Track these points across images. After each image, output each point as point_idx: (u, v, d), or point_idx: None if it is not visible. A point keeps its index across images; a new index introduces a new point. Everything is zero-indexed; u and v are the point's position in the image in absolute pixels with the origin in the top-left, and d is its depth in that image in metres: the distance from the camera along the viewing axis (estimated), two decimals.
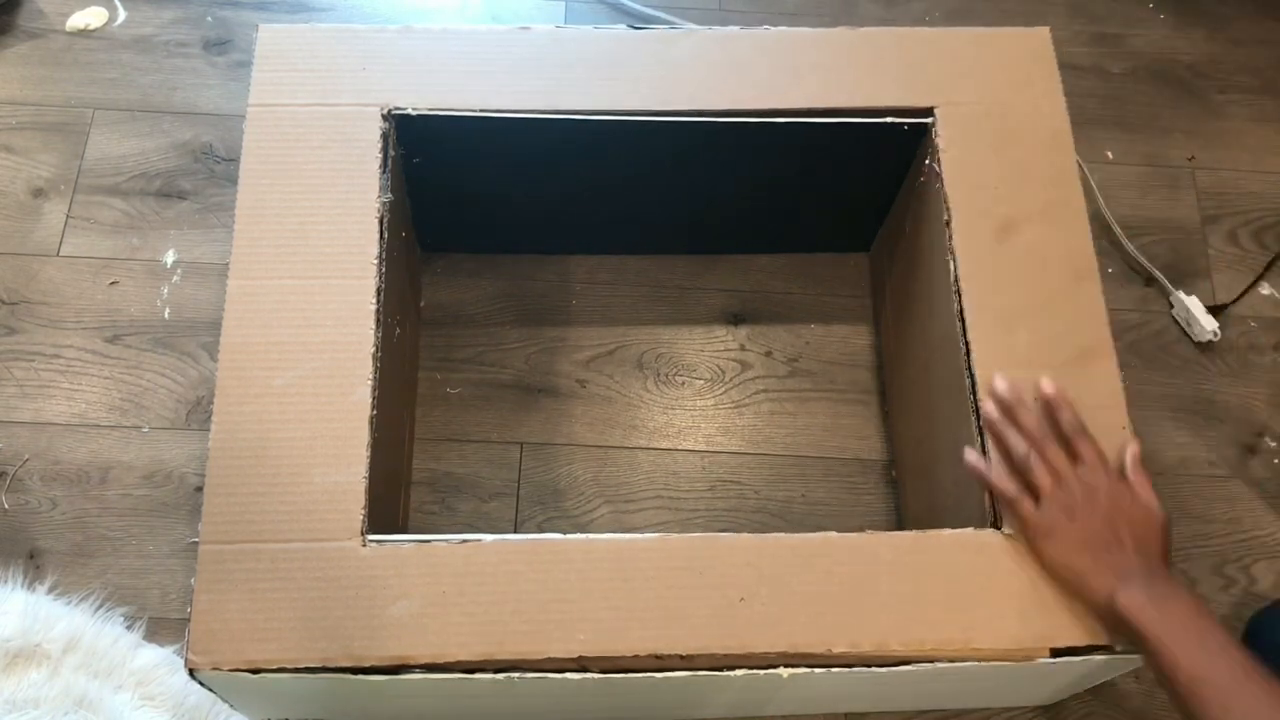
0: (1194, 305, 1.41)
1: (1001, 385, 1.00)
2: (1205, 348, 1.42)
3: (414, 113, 1.11)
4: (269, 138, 1.09)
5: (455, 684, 0.93)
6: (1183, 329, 1.43)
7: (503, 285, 1.41)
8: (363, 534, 0.94)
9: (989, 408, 1.00)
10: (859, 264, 1.45)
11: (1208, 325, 1.40)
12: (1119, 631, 0.92)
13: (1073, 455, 0.97)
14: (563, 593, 0.93)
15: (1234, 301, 1.45)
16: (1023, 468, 0.97)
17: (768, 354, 1.39)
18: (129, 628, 1.21)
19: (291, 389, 0.99)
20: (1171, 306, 1.44)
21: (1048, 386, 1.00)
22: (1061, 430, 0.98)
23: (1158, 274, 1.45)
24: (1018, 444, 0.98)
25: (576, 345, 1.38)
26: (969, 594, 0.95)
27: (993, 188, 1.11)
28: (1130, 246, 1.44)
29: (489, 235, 1.39)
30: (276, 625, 0.91)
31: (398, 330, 1.14)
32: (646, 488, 1.32)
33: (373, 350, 1.00)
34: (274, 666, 0.90)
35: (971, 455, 1.00)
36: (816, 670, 0.93)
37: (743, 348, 1.40)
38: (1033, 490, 0.96)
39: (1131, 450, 0.98)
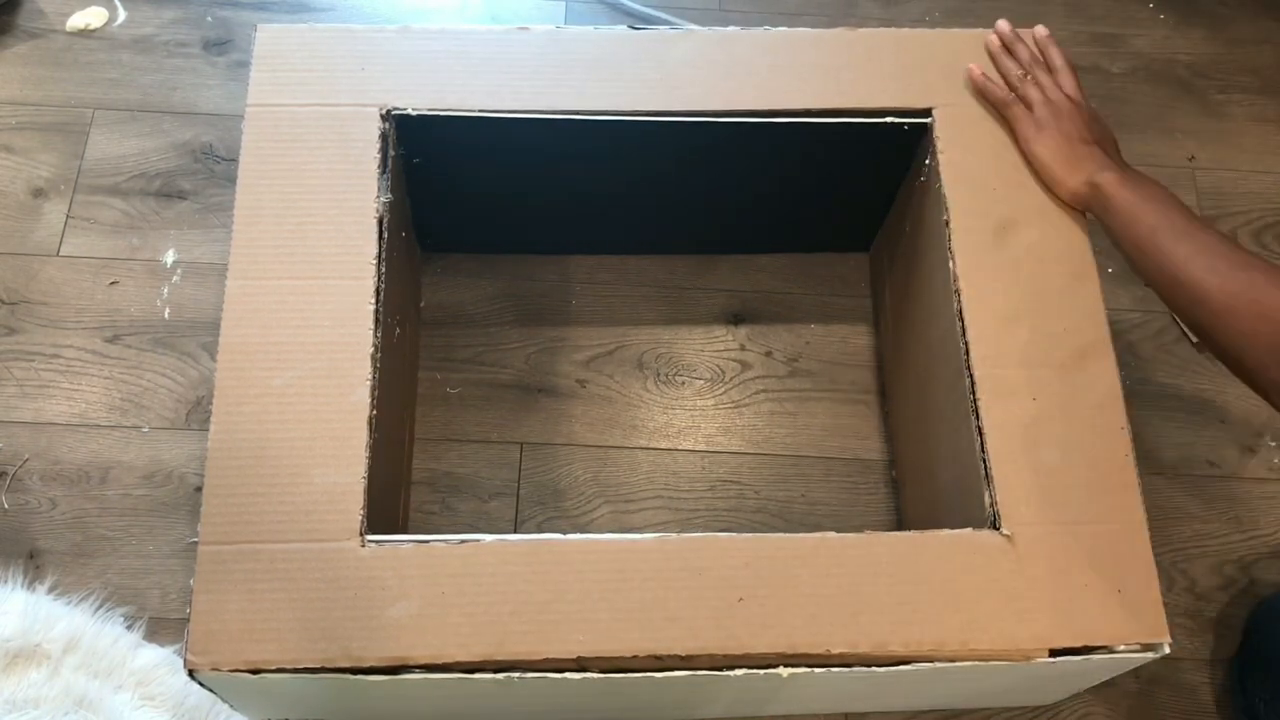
0: None
1: (1003, 23, 1.18)
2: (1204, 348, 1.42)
3: (413, 113, 1.11)
4: (268, 138, 1.09)
5: (455, 684, 0.93)
6: (1182, 329, 1.43)
7: (503, 285, 1.41)
8: (362, 534, 0.94)
9: (991, 38, 1.17)
10: (859, 264, 1.45)
11: None
12: (1091, 207, 1.08)
13: (1056, 83, 1.13)
14: (562, 593, 0.93)
15: None
16: (1016, 84, 1.13)
17: (768, 354, 1.39)
18: (129, 628, 1.21)
19: (291, 389, 0.99)
20: None
21: (1040, 29, 1.18)
22: (1050, 62, 1.15)
23: None
24: (1012, 67, 1.15)
25: (576, 345, 1.38)
26: (968, 594, 0.95)
27: (992, 188, 1.11)
28: None
29: (489, 235, 1.39)
30: (276, 626, 0.91)
31: (397, 330, 1.14)
32: (646, 488, 1.32)
33: (372, 351, 1.00)
34: (273, 667, 0.90)
35: (975, 69, 1.15)
36: (816, 670, 0.93)
37: (743, 348, 1.40)
38: (1025, 102, 1.12)
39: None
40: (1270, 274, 0.92)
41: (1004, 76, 1.15)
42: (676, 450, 1.34)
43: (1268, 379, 0.93)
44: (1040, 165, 1.11)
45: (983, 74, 1.15)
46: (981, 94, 1.15)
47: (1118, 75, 1.62)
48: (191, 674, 0.90)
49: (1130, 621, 0.95)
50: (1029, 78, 1.13)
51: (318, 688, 0.95)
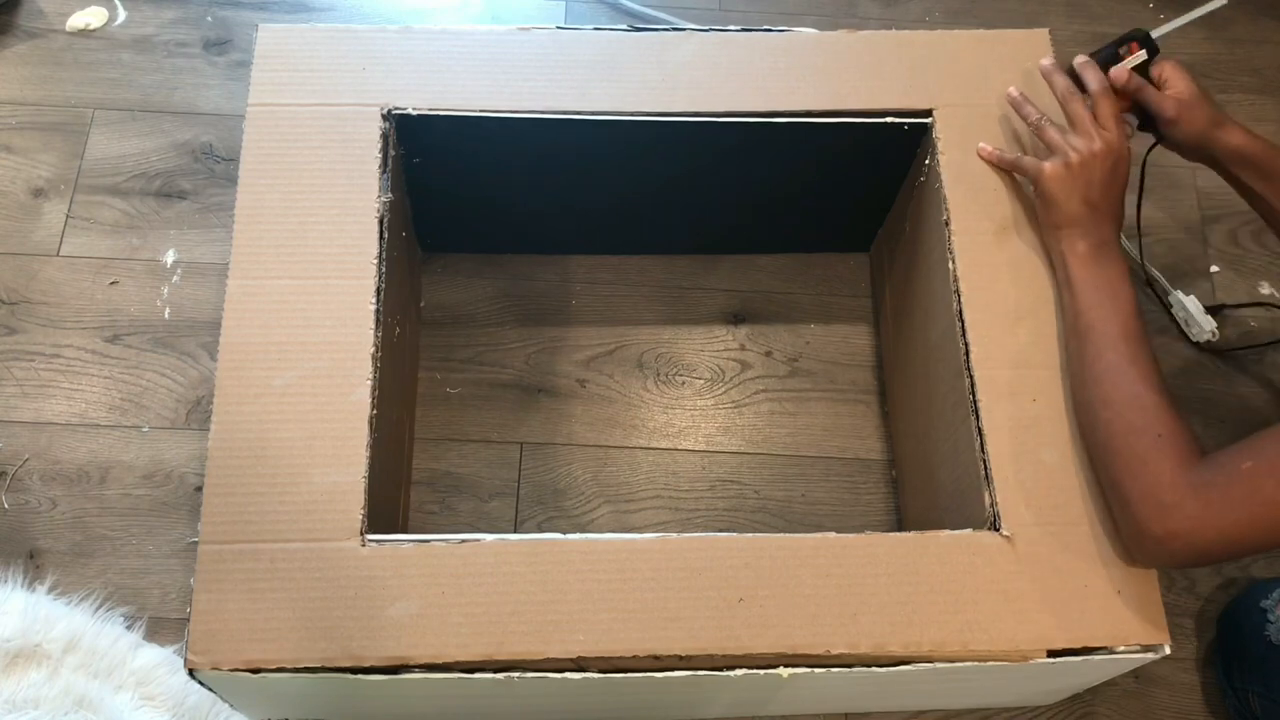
0: (1192, 305, 1.41)
1: (1046, 61, 1.11)
2: (1205, 347, 1.42)
3: (414, 113, 1.11)
4: (269, 138, 1.09)
5: (455, 684, 0.93)
6: (1181, 329, 1.43)
7: (503, 285, 1.41)
8: (362, 534, 0.94)
9: (1011, 90, 1.13)
10: (859, 264, 1.45)
11: (1206, 325, 1.40)
12: (1054, 265, 1.06)
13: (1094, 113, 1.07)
14: (562, 593, 0.93)
15: (1237, 306, 1.45)
16: (1036, 128, 1.09)
17: (768, 354, 1.39)
18: (129, 628, 1.21)
19: (291, 389, 0.99)
20: (1170, 306, 1.44)
21: (1079, 57, 1.11)
22: (1088, 87, 1.08)
23: (1157, 274, 1.45)
24: (1030, 112, 1.10)
25: (576, 345, 1.38)
26: (968, 595, 0.95)
27: (992, 188, 1.11)
28: (1128, 245, 1.44)
29: (489, 235, 1.39)
30: (276, 625, 0.91)
31: (397, 330, 1.15)
32: (646, 487, 1.32)
33: (372, 350, 1.00)
34: (273, 666, 0.90)
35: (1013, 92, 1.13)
36: (816, 670, 0.93)
37: (743, 348, 1.40)
38: (1047, 145, 1.08)
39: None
40: (1162, 431, 0.92)
41: (1025, 120, 1.11)
42: (676, 450, 1.34)
43: (1130, 522, 0.93)
44: (1037, 202, 1.08)
45: (1020, 95, 1.12)
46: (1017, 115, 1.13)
47: None
48: (192, 673, 0.90)
49: (1130, 622, 0.95)
50: (1046, 120, 1.08)
51: (318, 687, 0.95)
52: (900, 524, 1.30)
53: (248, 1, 1.59)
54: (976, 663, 0.94)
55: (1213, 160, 1.11)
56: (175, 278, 1.39)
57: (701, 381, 1.38)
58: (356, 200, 1.06)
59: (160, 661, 1.19)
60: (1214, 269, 1.49)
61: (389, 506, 1.13)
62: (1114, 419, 0.95)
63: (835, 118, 1.14)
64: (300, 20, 1.59)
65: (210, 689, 0.95)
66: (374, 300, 1.02)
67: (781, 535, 0.97)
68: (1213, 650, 1.27)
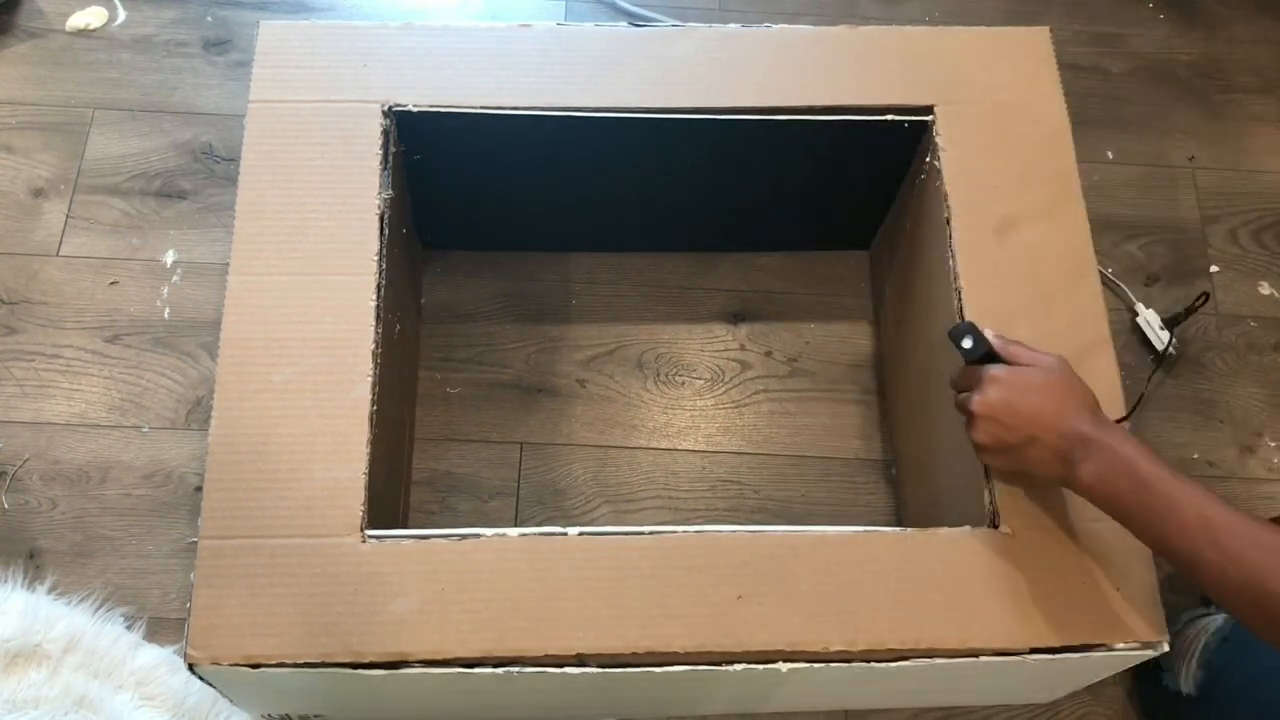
0: (1151, 318, 1.41)
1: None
2: (1206, 347, 1.42)
3: (415, 109, 1.11)
4: (270, 134, 1.09)
5: (454, 679, 0.93)
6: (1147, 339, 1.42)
7: (503, 284, 1.41)
8: (362, 530, 0.94)
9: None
10: (859, 263, 1.45)
11: (1163, 338, 1.40)
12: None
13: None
14: (562, 589, 0.93)
15: (1186, 315, 1.42)
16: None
17: (768, 354, 1.39)
18: (129, 628, 1.21)
19: (292, 385, 0.99)
20: (1135, 315, 1.43)
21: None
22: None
23: (1120, 284, 1.45)
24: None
25: (576, 345, 1.38)
26: (966, 592, 0.95)
27: (993, 186, 1.11)
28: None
29: (489, 232, 1.39)
30: (276, 620, 0.91)
31: (398, 327, 1.15)
32: (646, 488, 1.31)
33: (373, 347, 1.00)
34: (273, 662, 0.90)
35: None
36: (815, 666, 0.93)
37: (743, 347, 1.40)
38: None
39: (991, 335, 0.97)
40: None
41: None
42: (676, 450, 1.34)
43: None
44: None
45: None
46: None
47: (1118, 75, 1.62)
48: (191, 668, 0.90)
49: (1129, 620, 0.95)
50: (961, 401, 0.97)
51: (318, 682, 0.95)
52: (900, 523, 1.30)
53: (248, 1, 1.59)
54: (975, 659, 0.94)
55: None
56: (175, 278, 1.39)
57: (701, 381, 1.37)
58: (357, 196, 1.06)
59: (160, 661, 1.19)
60: (1214, 269, 1.49)
61: (389, 505, 1.13)
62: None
63: (836, 115, 1.14)
64: (300, 19, 1.58)
65: (210, 683, 0.95)
66: (374, 297, 1.02)
67: (781, 532, 0.97)
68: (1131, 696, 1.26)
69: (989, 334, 0.97)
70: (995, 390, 0.93)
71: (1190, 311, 1.41)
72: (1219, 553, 0.82)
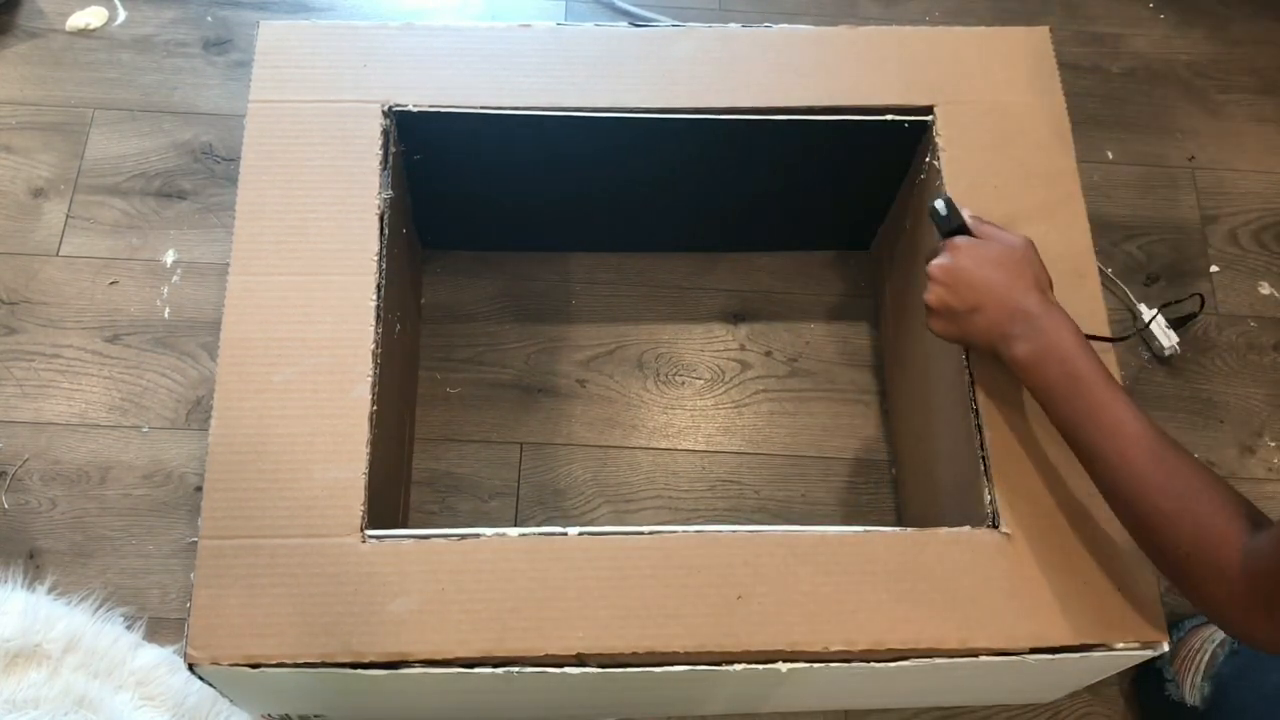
0: (1158, 320, 1.41)
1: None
2: (1206, 348, 1.42)
3: (415, 109, 1.11)
4: (270, 134, 1.09)
5: (454, 679, 0.92)
6: (1148, 342, 1.43)
7: (503, 284, 1.41)
8: (362, 530, 0.94)
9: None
10: (859, 263, 1.45)
11: (1166, 341, 1.40)
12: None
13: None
14: (562, 590, 0.93)
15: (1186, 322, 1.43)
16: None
17: (768, 354, 1.39)
18: (129, 628, 1.21)
19: (292, 385, 0.98)
20: (1136, 317, 1.44)
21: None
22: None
23: (1120, 284, 1.45)
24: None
25: (576, 345, 1.38)
26: (967, 592, 0.95)
27: (993, 186, 1.11)
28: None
29: (489, 232, 1.39)
30: (276, 620, 0.90)
31: (398, 327, 1.15)
32: (646, 488, 1.31)
33: (373, 347, 1.00)
34: (273, 661, 0.90)
35: None
36: (814, 665, 0.93)
37: (743, 347, 1.40)
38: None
39: (967, 213, 1.03)
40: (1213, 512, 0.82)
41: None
42: (676, 450, 1.34)
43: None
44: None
45: None
46: None
47: (1118, 75, 1.62)
48: (191, 668, 0.90)
49: (1129, 620, 0.95)
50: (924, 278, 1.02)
51: (317, 682, 0.95)
52: (900, 524, 1.30)
53: (248, 1, 1.59)
54: (975, 659, 0.94)
55: None
56: (175, 278, 1.39)
57: (701, 381, 1.37)
58: (357, 197, 1.06)
59: (160, 661, 1.19)
60: (1214, 269, 1.49)
61: (389, 505, 1.13)
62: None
63: (835, 115, 1.14)
64: (300, 19, 1.58)
65: (209, 683, 0.95)
66: (374, 297, 1.02)
67: (781, 532, 0.96)
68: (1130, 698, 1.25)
69: (965, 212, 1.03)
70: (953, 257, 0.99)
71: (1189, 318, 1.42)
72: (1120, 457, 0.86)
